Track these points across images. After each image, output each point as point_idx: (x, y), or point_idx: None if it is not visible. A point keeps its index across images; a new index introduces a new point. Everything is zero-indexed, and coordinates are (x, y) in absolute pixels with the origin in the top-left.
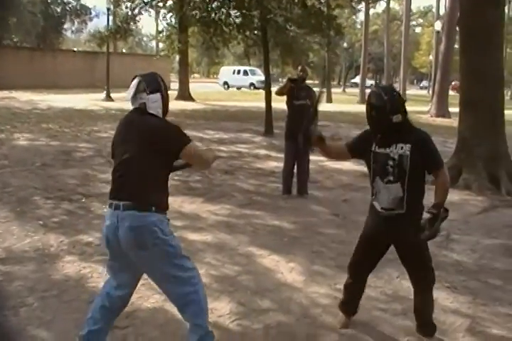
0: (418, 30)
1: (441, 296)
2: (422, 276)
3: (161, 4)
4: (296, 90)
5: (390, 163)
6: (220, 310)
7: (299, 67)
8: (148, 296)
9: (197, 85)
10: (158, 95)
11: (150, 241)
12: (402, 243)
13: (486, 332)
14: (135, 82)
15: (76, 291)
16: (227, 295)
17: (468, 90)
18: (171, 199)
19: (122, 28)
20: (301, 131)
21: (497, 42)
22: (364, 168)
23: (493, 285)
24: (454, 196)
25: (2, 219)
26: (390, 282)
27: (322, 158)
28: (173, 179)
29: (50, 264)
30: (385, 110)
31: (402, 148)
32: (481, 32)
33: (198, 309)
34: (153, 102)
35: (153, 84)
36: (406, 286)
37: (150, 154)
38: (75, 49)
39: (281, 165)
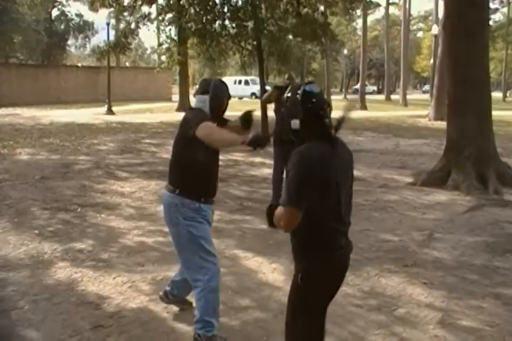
0: (420, 34)
1: (416, 292)
2: None
3: (160, 18)
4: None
5: None
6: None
7: (286, 75)
8: (134, 297)
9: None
10: (206, 96)
11: (172, 220)
12: None
13: (456, 324)
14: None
15: (66, 294)
16: None
17: (455, 92)
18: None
19: (121, 42)
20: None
21: (481, 45)
22: (354, 172)
23: (470, 280)
24: (441, 196)
25: (0, 230)
26: (368, 279)
27: None
28: None
29: (43, 270)
30: (284, 111)
31: None
32: (466, 35)
33: (201, 304)
34: (200, 101)
35: (204, 87)
36: (383, 283)
37: (180, 141)
38: (79, 64)
39: None
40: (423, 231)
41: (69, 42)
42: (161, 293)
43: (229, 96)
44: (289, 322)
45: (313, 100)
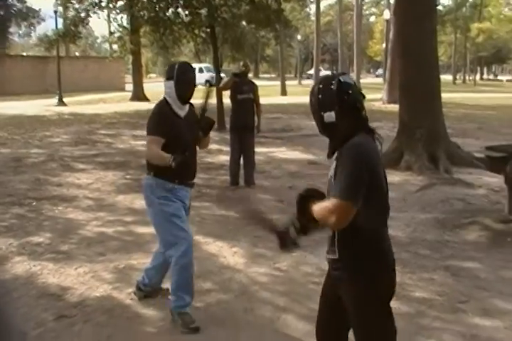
0: (372, 19)
1: None
2: None
3: (111, 5)
4: (239, 85)
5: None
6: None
7: (241, 63)
8: (96, 286)
9: (153, 85)
10: (171, 82)
11: (148, 200)
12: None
13: (410, 296)
14: None
15: (25, 288)
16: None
17: (406, 76)
18: (121, 197)
19: (71, 31)
20: (245, 123)
21: (430, 29)
22: (310, 156)
23: (422, 255)
24: (395, 177)
25: None
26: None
27: (271, 149)
28: (125, 178)
29: None
30: (315, 104)
31: (334, 163)
32: (415, 20)
33: (175, 279)
34: (167, 88)
35: (169, 72)
36: None
37: None
38: (24, 54)
39: None
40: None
41: (11, 30)
42: (133, 290)
43: (194, 78)
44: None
45: (350, 91)
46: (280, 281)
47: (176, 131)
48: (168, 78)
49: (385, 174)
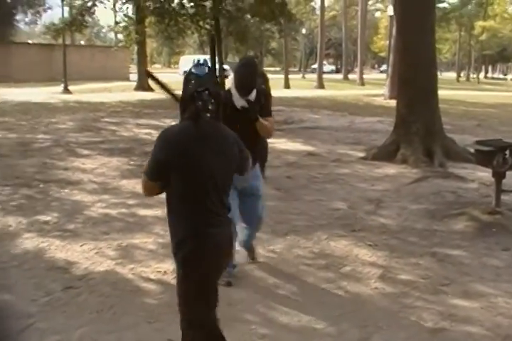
0: (378, 14)
1: (361, 252)
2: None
3: None
4: None
5: None
6: (165, 269)
7: (252, 55)
8: (100, 262)
9: (158, 75)
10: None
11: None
12: None
13: (395, 278)
14: None
15: (35, 261)
16: (171, 258)
17: (404, 70)
18: (125, 182)
19: (77, 20)
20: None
21: (429, 25)
22: (310, 148)
23: (410, 242)
24: (390, 169)
25: None
26: (319, 243)
27: (272, 140)
28: (129, 164)
29: (10, 241)
30: None
31: None
32: (414, 16)
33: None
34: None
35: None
36: (332, 246)
37: None
38: (30, 41)
39: None
40: (371, 201)
41: (17, 17)
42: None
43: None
44: None
45: (193, 81)
46: (274, 262)
47: None
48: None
49: (230, 158)
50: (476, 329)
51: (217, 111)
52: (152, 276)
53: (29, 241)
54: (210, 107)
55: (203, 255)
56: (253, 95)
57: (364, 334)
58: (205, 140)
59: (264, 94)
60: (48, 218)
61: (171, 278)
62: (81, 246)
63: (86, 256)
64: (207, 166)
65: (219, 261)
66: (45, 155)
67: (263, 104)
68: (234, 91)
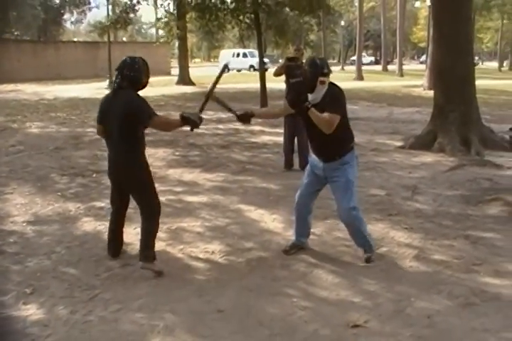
0: (417, 4)
1: (397, 235)
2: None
3: None
4: (292, 68)
5: None
6: (212, 250)
7: (294, 47)
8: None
9: (198, 70)
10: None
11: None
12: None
13: (429, 258)
14: None
15: (94, 241)
16: (218, 240)
17: (441, 60)
18: (171, 171)
19: (122, 18)
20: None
21: (466, 15)
22: None
23: (445, 225)
24: (427, 158)
25: (26, 193)
26: None
27: None
28: (174, 154)
29: (71, 224)
30: None
31: None
32: (451, 5)
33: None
34: None
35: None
36: (369, 229)
37: None
38: (76, 39)
39: (273, 138)
40: (407, 187)
41: (65, 17)
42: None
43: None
44: None
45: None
46: (314, 243)
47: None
48: None
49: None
50: (506, 305)
51: None
52: (201, 256)
53: (87, 225)
54: None
55: None
56: (321, 93)
57: (398, 307)
58: None
59: (332, 94)
60: (102, 204)
61: (218, 257)
62: (134, 228)
63: (139, 238)
64: None
65: None
66: (95, 148)
67: (327, 101)
68: None
